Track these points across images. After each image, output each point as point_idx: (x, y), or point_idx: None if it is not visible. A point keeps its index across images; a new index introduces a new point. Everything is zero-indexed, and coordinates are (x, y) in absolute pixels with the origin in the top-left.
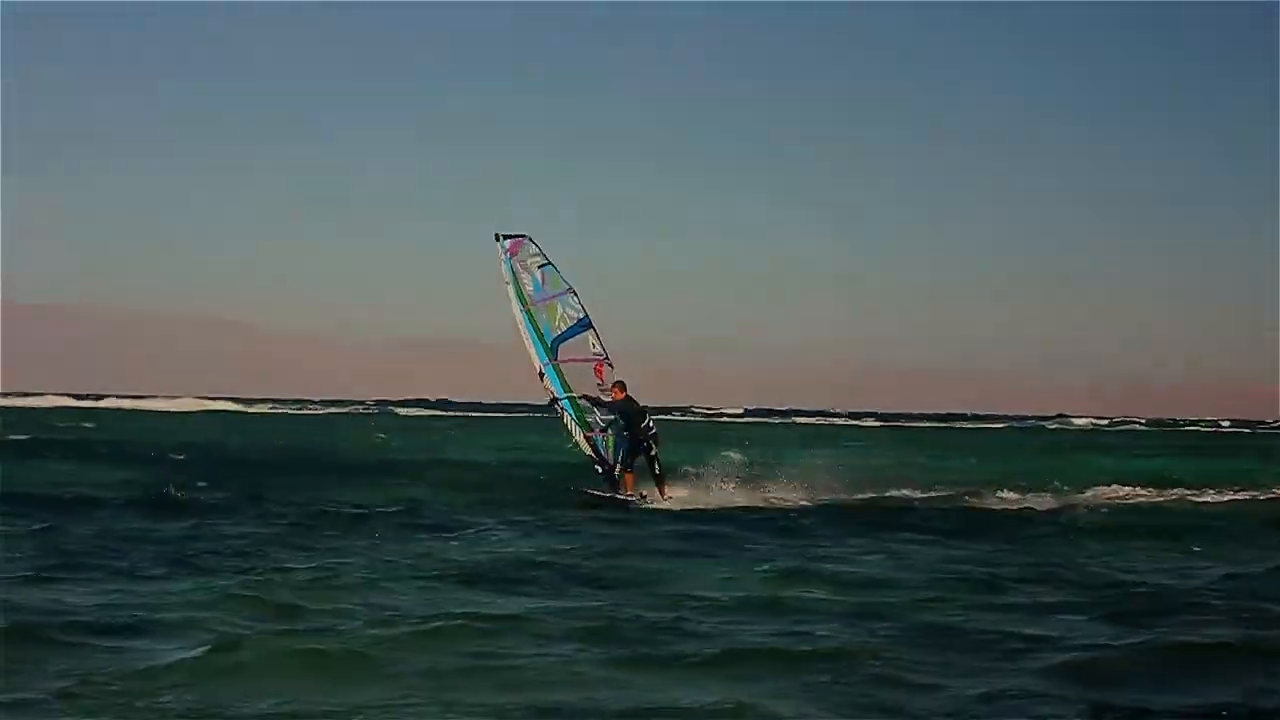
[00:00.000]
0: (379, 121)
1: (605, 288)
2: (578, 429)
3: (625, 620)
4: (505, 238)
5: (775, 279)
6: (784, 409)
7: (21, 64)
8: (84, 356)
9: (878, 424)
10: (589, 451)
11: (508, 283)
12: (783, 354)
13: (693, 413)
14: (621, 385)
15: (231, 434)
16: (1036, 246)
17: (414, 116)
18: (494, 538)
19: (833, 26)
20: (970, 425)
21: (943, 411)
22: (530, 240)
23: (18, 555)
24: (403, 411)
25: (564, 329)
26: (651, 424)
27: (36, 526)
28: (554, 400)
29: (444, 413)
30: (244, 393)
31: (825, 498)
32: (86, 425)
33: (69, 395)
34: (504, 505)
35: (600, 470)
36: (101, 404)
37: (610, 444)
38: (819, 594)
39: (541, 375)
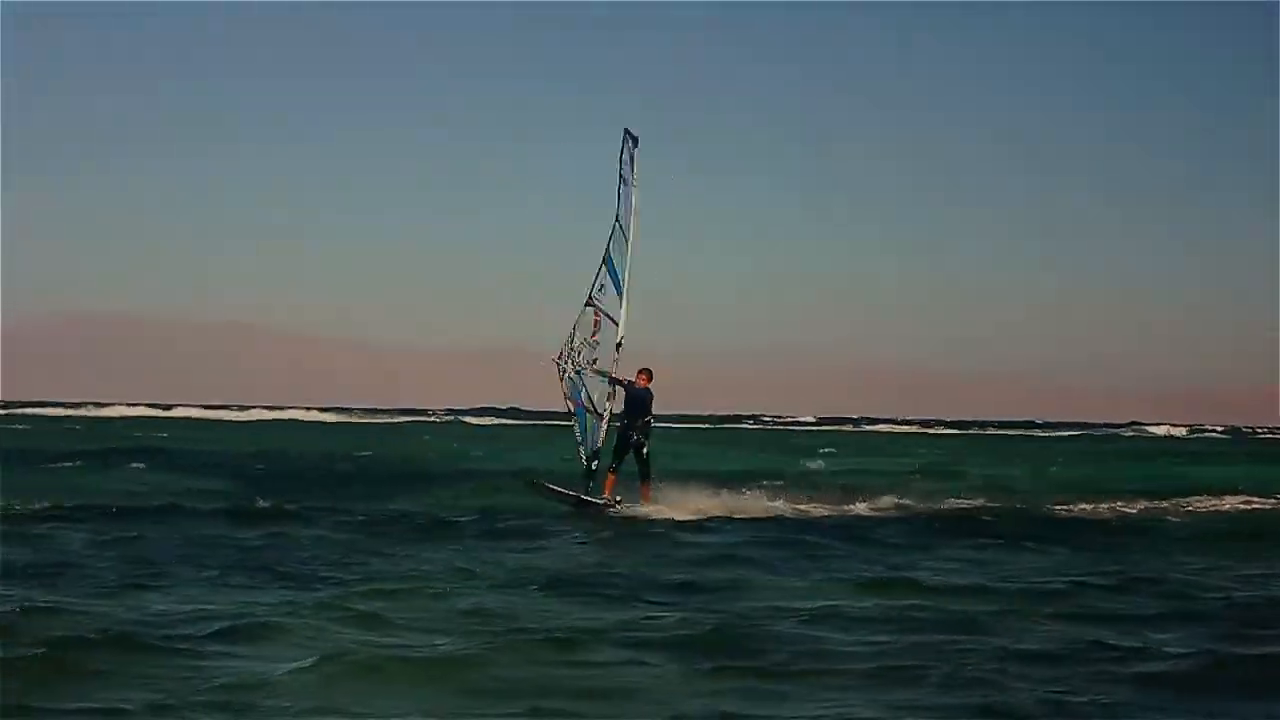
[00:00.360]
0: (432, 130)
1: (668, 294)
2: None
3: (713, 629)
4: (634, 140)
5: (838, 284)
6: (855, 416)
7: (52, 65)
8: (149, 367)
9: (948, 431)
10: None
11: (635, 185)
12: (848, 360)
13: (762, 421)
14: (648, 373)
15: (305, 443)
16: (1094, 253)
17: (467, 123)
18: (575, 545)
19: (835, 25)
20: (1042, 433)
21: (1014, 419)
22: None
23: (105, 564)
24: (473, 420)
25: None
26: (650, 419)
27: (122, 535)
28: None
29: (514, 421)
30: (313, 401)
31: (906, 505)
32: (160, 435)
33: (143, 404)
34: (581, 514)
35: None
36: (172, 414)
37: (588, 428)
38: (907, 602)
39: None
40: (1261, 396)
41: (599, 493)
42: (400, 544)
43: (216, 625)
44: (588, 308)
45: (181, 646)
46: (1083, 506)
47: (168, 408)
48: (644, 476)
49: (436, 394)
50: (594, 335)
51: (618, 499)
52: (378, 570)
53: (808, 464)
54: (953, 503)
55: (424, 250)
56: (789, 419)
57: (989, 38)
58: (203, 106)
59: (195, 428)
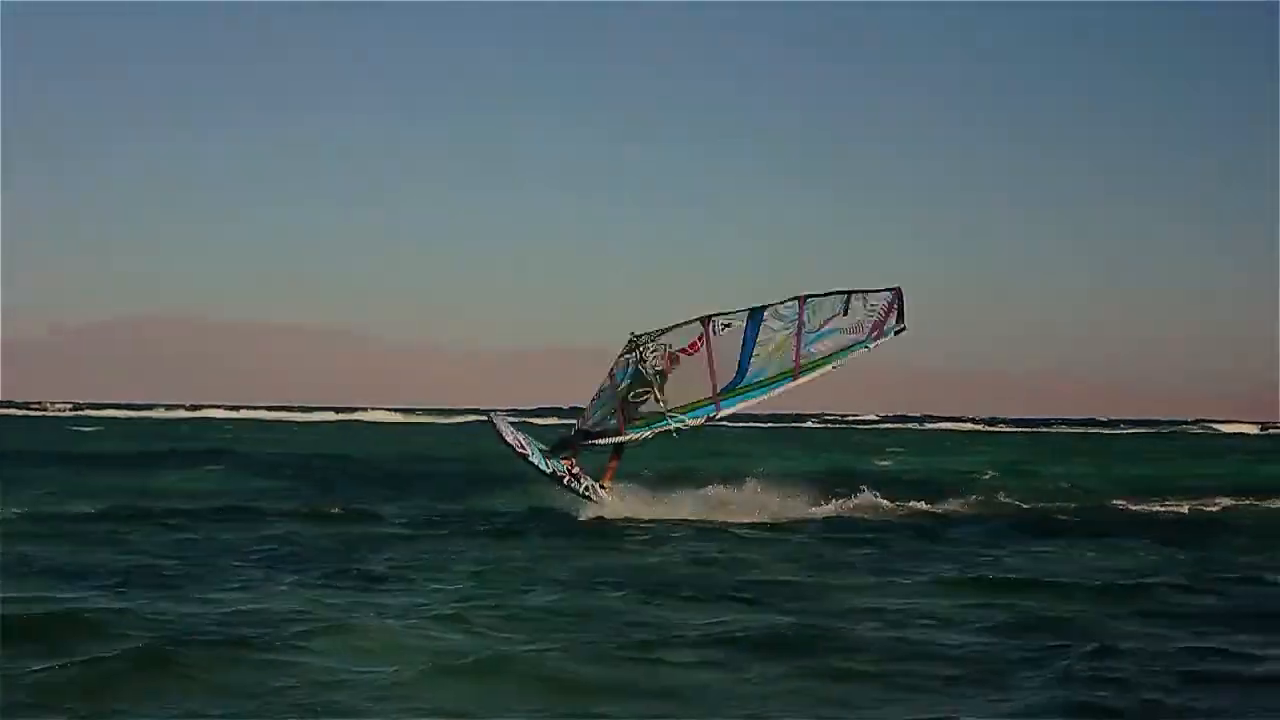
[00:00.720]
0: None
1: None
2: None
3: (797, 630)
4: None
5: (902, 281)
6: (917, 415)
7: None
8: (215, 369)
9: (1010, 429)
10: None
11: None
12: (911, 359)
13: (825, 419)
14: (675, 357)
15: (373, 444)
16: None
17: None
18: (646, 546)
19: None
20: (1105, 430)
21: (1076, 416)
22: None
23: (182, 565)
24: (539, 421)
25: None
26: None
27: (198, 537)
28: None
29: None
30: (380, 402)
31: (981, 503)
32: (228, 436)
33: (211, 406)
34: (666, 509)
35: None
36: (239, 414)
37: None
38: (991, 601)
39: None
40: None
41: (592, 483)
42: (472, 544)
43: (299, 626)
44: (695, 324)
45: (267, 648)
46: (1158, 505)
47: (235, 409)
48: (613, 460)
49: (500, 394)
50: (673, 364)
51: (603, 484)
52: (453, 571)
53: (878, 462)
54: (1029, 501)
55: (487, 253)
56: (851, 417)
57: (988, 38)
58: (283, 127)
59: (263, 429)
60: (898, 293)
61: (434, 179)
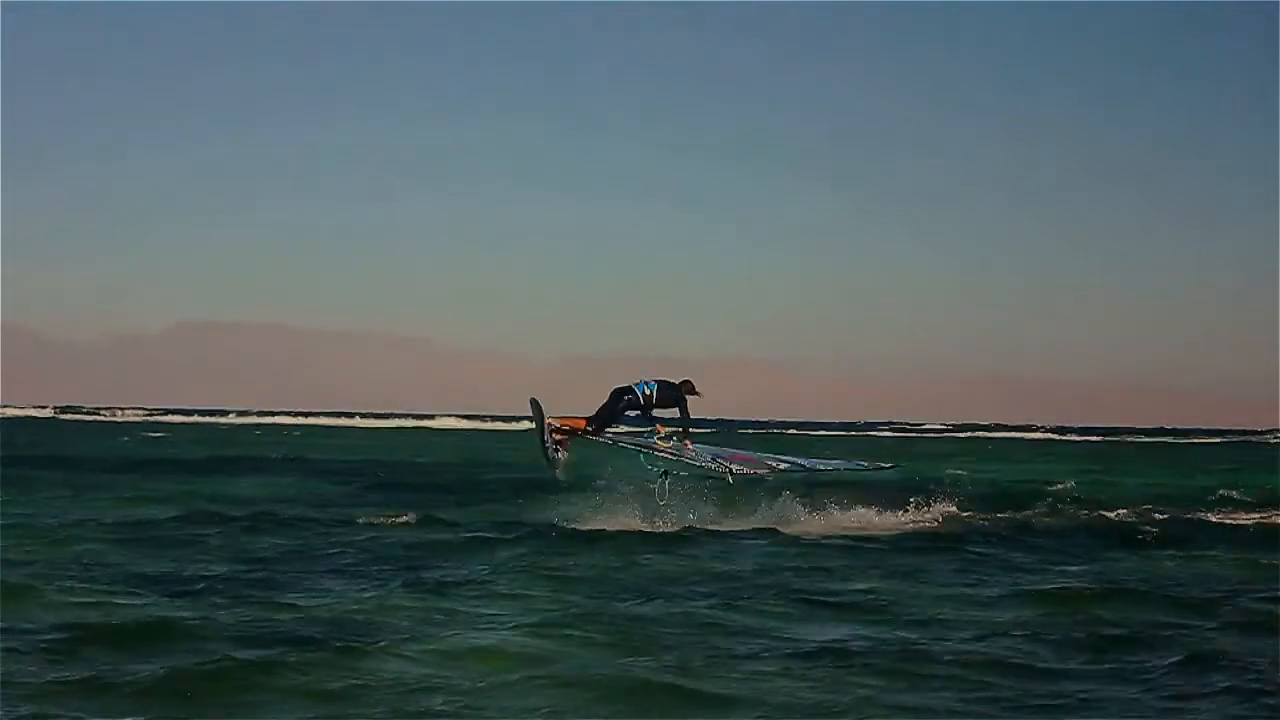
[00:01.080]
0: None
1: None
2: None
3: (880, 642)
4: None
5: (952, 296)
6: (985, 423)
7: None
8: (285, 375)
9: (1079, 438)
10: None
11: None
12: (971, 369)
13: (897, 427)
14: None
15: (443, 450)
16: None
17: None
18: (731, 553)
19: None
20: (1177, 440)
21: (1146, 425)
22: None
23: (259, 570)
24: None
25: None
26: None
27: (271, 541)
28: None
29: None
30: (449, 409)
31: (1061, 513)
32: (297, 439)
33: (281, 413)
34: (738, 518)
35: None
36: (308, 420)
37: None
38: (1082, 614)
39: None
40: None
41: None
42: (548, 551)
43: (386, 633)
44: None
45: (357, 653)
46: (1242, 515)
47: (306, 414)
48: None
49: (571, 401)
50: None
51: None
52: (533, 577)
53: (950, 471)
54: (1105, 510)
55: (559, 260)
56: (920, 425)
57: (988, 38)
58: (353, 131)
59: (331, 435)
60: None
61: (510, 185)
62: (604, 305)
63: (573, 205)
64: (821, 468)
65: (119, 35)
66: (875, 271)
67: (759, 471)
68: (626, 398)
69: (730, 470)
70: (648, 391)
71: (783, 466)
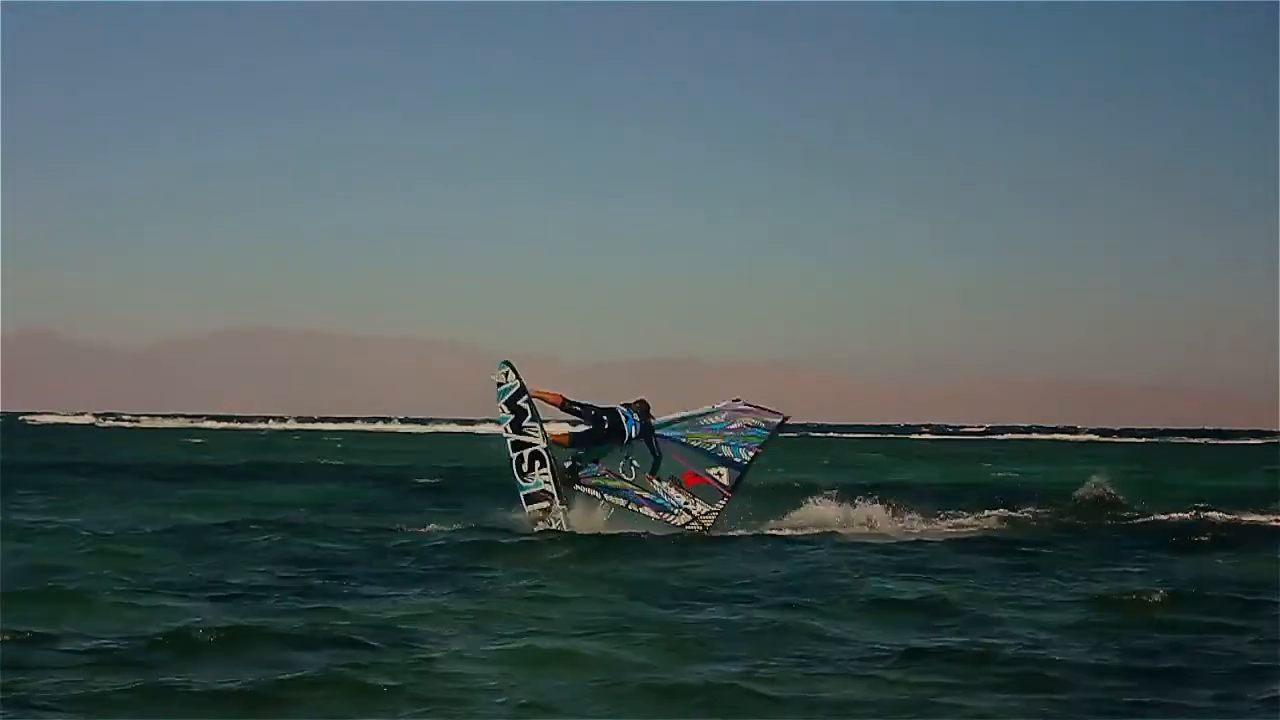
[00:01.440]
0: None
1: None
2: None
3: (955, 646)
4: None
5: (984, 299)
6: (1025, 425)
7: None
8: (328, 381)
9: (1122, 439)
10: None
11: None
12: (1010, 371)
13: (940, 430)
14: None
15: (490, 455)
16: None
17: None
18: (788, 559)
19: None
20: (1221, 441)
21: (1191, 427)
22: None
23: (323, 577)
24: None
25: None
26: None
27: (335, 547)
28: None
29: None
30: (482, 414)
31: (1111, 515)
32: (337, 446)
33: (322, 419)
34: (776, 522)
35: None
36: (349, 426)
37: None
38: (1139, 616)
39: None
40: None
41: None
42: (604, 556)
43: (460, 639)
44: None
45: (437, 660)
46: None
47: (347, 420)
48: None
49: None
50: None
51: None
52: (596, 583)
53: (996, 473)
54: (1158, 512)
55: (607, 265)
56: (960, 428)
57: (989, 40)
58: (405, 137)
59: (373, 440)
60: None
61: (557, 191)
62: (637, 308)
63: (619, 209)
64: (745, 454)
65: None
66: (898, 274)
67: (718, 506)
68: (608, 426)
69: (697, 517)
70: (633, 432)
71: (725, 480)
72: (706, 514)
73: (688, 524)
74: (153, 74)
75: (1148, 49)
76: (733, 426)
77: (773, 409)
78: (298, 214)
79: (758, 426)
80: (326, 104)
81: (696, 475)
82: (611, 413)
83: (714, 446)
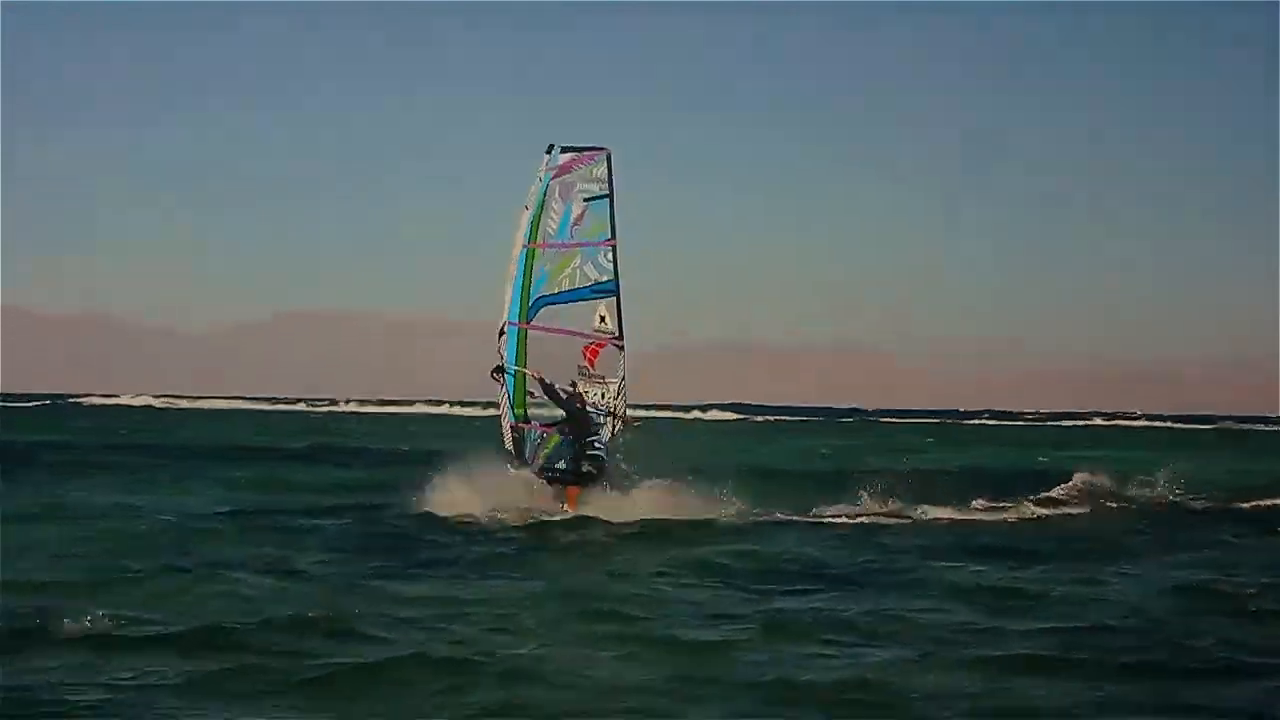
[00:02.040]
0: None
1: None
2: (508, 412)
3: (1053, 641)
4: (566, 150)
5: (1030, 285)
6: (1085, 410)
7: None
8: (363, 362)
9: (1179, 425)
10: (508, 444)
11: (527, 208)
12: (1061, 357)
13: (991, 413)
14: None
15: None
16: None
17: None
18: (851, 545)
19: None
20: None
21: (1248, 414)
22: (606, 160)
23: (393, 563)
24: (704, 416)
25: (564, 289)
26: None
27: (398, 531)
28: (498, 369)
29: (738, 416)
30: None
31: (1193, 501)
32: (373, 427)
33: (362, 400)
34: (823, 507)
35: (513, 469)
36: (407, 410)
37: (551, 446)
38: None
39: (501, 333)
40: None
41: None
42: (651, 544)
43: (530, 625)
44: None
45: (522, 655)
46: None
47: (389, 402)
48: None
49: (655, 390)
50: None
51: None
52: (656, 570)
53: (1044, 459)
54: (1244, 500)
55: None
56: (1017, 413)
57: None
58: (429, 125)
59: (427, 422)
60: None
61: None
62: (698, 290)
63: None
64: (604, 261)
65: None
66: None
67: (620, 375)
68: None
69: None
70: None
71: (609, 325)
72: (618, 398)
73: (617, 430)
74: (219, 52)
75: (1147, 49)
76: (575, 215)
77: (591, 146)
78: (361, 198)
79: (590, 188)
80: (398, 85)
81: (590, 346)
82: (576, 394)
83: (575, 267)
